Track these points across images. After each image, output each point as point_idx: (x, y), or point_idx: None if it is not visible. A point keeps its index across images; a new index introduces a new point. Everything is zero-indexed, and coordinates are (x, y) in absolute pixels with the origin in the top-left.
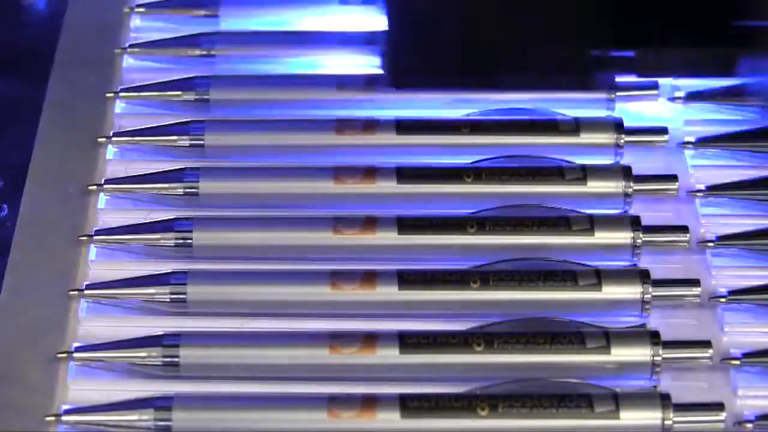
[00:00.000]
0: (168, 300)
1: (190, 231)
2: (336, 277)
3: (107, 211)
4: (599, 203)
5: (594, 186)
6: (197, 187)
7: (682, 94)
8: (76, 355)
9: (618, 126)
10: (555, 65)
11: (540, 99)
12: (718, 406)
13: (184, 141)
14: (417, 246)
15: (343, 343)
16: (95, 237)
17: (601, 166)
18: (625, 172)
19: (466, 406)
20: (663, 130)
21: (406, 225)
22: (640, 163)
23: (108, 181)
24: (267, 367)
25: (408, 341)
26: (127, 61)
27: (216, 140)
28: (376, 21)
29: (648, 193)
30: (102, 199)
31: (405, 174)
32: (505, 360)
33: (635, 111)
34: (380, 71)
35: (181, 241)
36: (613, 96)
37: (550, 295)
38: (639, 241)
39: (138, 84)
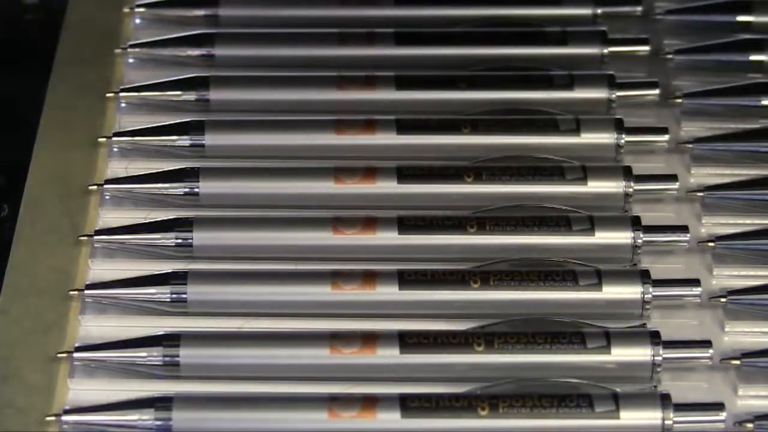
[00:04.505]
0: (168, 300)
1: (191, 231)
2: (336, 277)
3: (107, 211)
4: (599, 203)
5: (594, 186)
6: (197, 187)
7: (681, 93)
8: (76, 355)
9: (618, 126)
10: None
11: (539, 99)
12: (718, 406)
13: (184, 141)
14: (417, 246)
15: (343, 343)
16: (95, 237)
17: (601, 165)
18: (626, 172)
19: (467, 406)
20: (663, 130)
21: (406, 225)
22: (640, 163)
23: (108, 181)
24: (267, 367)
25: (408, 341)
26: (127, 61)
27: (216, 140)
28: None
29: (648, 193)
30: (102, 199)
31: (405, 174)
32: (505, 360)
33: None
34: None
35: (181, 241)
36: (613, 96)
37: (550, 295)
38: (639, 241)
39: (138, 84)
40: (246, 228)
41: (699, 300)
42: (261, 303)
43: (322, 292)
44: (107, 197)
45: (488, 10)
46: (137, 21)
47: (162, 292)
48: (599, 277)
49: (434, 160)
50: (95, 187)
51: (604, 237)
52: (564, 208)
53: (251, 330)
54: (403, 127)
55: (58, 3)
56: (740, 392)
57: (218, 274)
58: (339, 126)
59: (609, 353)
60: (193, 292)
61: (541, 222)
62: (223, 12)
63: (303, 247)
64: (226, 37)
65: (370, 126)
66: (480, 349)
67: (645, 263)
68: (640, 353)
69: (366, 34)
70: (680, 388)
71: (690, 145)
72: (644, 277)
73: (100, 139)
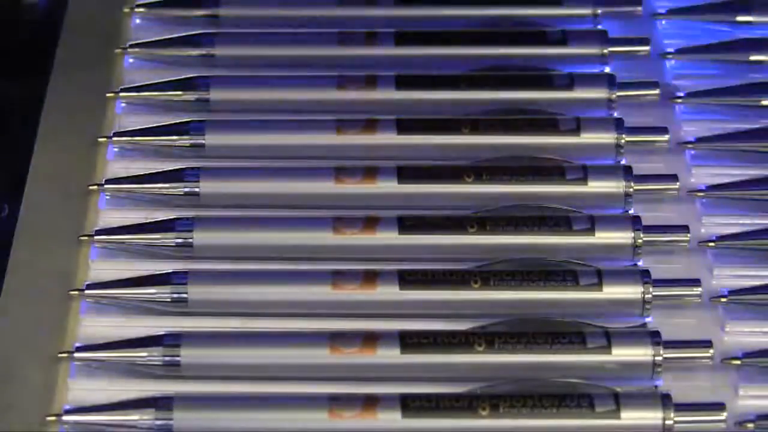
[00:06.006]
0: (169, 300)
1: (191, 231)
2: (337, 277)
3: (107, 211)
4: (599, 203)
5: (594, 186)
6: (197, 187)
7: (681, 94)
8: (76, 355)
9: (618, 126)
10: None
11: (539, 99)
12: (719, 406)
13: (184, 141)
14: (418, 246)
15: (344, 343)
16: (95, 237)
17: (601, 165)
18: (626, 172)
19: (467, 406)
20: (663, 130)
21: (406, 225)
22: (640, 163)
23: (108, 181)
24: (267, 367)
25: (408, 341)
26: (127, 61)
27: (216, 140)
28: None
29: (648, 193)
30: (102, 199)
31: (405, 174)
32: (505, 360)
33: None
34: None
35: (181, 241)
36: (613, 96)
37: (550, 295)
38: (639, 241)
39: (138, 84)
40: (246, 228)
41: (699, 300)
42: (261, 303)
43: (323, 292)
44: (107, 197)
45: (489, 11)
46: (137, 21)
47: (162, 292)
48: (599, 277)
49: (434, 160)
50: (95, 187)
51: (604, 237)
52: (564, 208)
53: (252, 330)
54: (403, 127)
55: (58, 3)
56: (741, 392)
57: (219, 274)
58: (339, 126)
59: (609, 353)
60: (194, 291)
61: (541, 222)
62: (224, 12)
63: (303, 247)
64: (227, 36)
65: (370, 126)
66: (480, 349)
67: (645, 263)
68: (640, 353)
69: (365, 34)
70: (681, 388)
71: (690, 145)
72: (644, 276)
73: (100, 139)
